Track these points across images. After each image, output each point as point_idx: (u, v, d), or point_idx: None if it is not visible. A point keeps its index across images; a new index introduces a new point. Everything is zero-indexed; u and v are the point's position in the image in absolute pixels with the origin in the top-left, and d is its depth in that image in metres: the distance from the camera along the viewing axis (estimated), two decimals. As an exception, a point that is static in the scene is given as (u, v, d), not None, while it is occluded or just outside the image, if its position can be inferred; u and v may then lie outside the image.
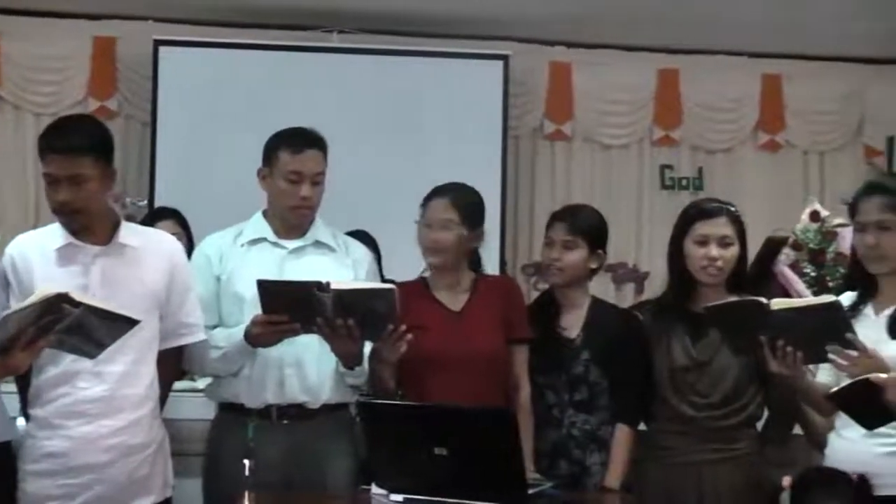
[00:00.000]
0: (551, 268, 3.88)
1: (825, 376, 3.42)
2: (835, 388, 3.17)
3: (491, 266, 4.38)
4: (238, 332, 3.56)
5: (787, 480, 3.28)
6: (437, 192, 3.77)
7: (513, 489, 3.05)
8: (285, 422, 3.64)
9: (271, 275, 3.55)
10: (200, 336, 3.57)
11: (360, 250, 3.86)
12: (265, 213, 3.78)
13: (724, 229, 3.67)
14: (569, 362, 3.79)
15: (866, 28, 7.04)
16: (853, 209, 3.44)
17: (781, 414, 3.81)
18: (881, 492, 3.25)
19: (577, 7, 6.80)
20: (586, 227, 3.88)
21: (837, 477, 3.27)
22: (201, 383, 4.12)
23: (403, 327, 3.41)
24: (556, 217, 3.95)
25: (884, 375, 3.02)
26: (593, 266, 3.89)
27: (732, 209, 3.74)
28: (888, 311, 3.35)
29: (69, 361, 3.26)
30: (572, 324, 3.85)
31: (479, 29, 7.20)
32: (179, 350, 3.57)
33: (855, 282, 3.53)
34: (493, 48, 7.28)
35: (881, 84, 7.81)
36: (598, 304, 3.93)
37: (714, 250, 3.64)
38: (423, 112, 7.12)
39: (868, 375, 3.04)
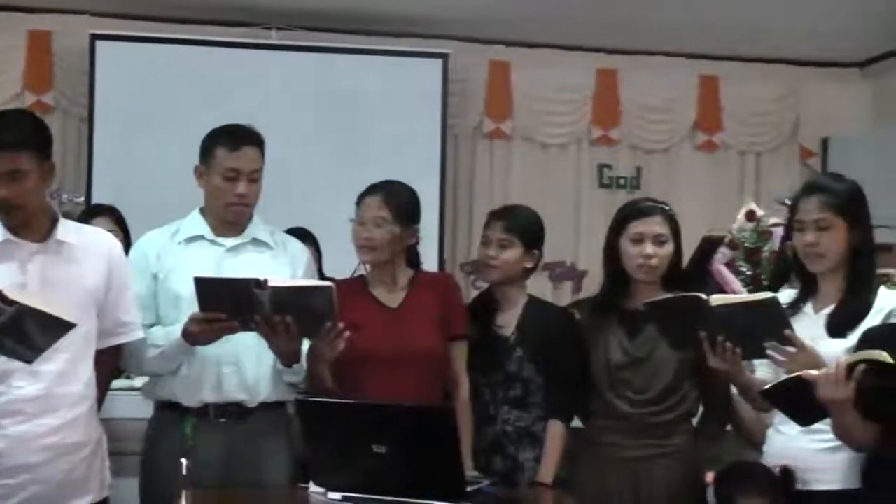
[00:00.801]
0: (487, 265, 3.91)
1: (764, 372, 3.45)
2: (768, 385, 3.18)
3: (430, 263, 4.38)
4: (176, 331, 3.54)
5: (709, 476, 3.32)
6: (371, 189, 3.76)
7: (451, 487, 3.04)
8: (223, 420, 3.62)
9: (209, 273, 3.52)
10: (138, 334, 3.54)
11: (297, 248, 3.85)
12: (202, 211, 3.76)
13: (658, 228, 3.71)
14: (504, 360, 3.82)
15: (802, 30, 7.13)
16: (793, 208, 3.47)
17: (716, 410, 3.84)
18: (818, 487, 3.29)
19: (517, 6, 6.83)
20: (522, 226, 3.90)
21: (756, 470, 3.31)
22: (138, 382, 4.09)
23: (341, 325, 3.41)
24: (493, 216, 3.97)
25: (815, 372, 3.03)
26: (528, 265, 3.92)
27: (667, 208, 3.79)
28: (827, 310, 3.38)
29: (4, 360, 3.20)
30: (508, 322, 3.87)
31: (418, 27, 7.22)
32: (117, 349, 3.53)
33: (782, 280, 3.57)
34: (433, 46, 7.30)
35: (816, 86, 7.93)
36: (533, 303, 3.94)
37: (649, 248, 3.68)
38: (363, 110, 7.12)
39: (800, 372, 3.06)
